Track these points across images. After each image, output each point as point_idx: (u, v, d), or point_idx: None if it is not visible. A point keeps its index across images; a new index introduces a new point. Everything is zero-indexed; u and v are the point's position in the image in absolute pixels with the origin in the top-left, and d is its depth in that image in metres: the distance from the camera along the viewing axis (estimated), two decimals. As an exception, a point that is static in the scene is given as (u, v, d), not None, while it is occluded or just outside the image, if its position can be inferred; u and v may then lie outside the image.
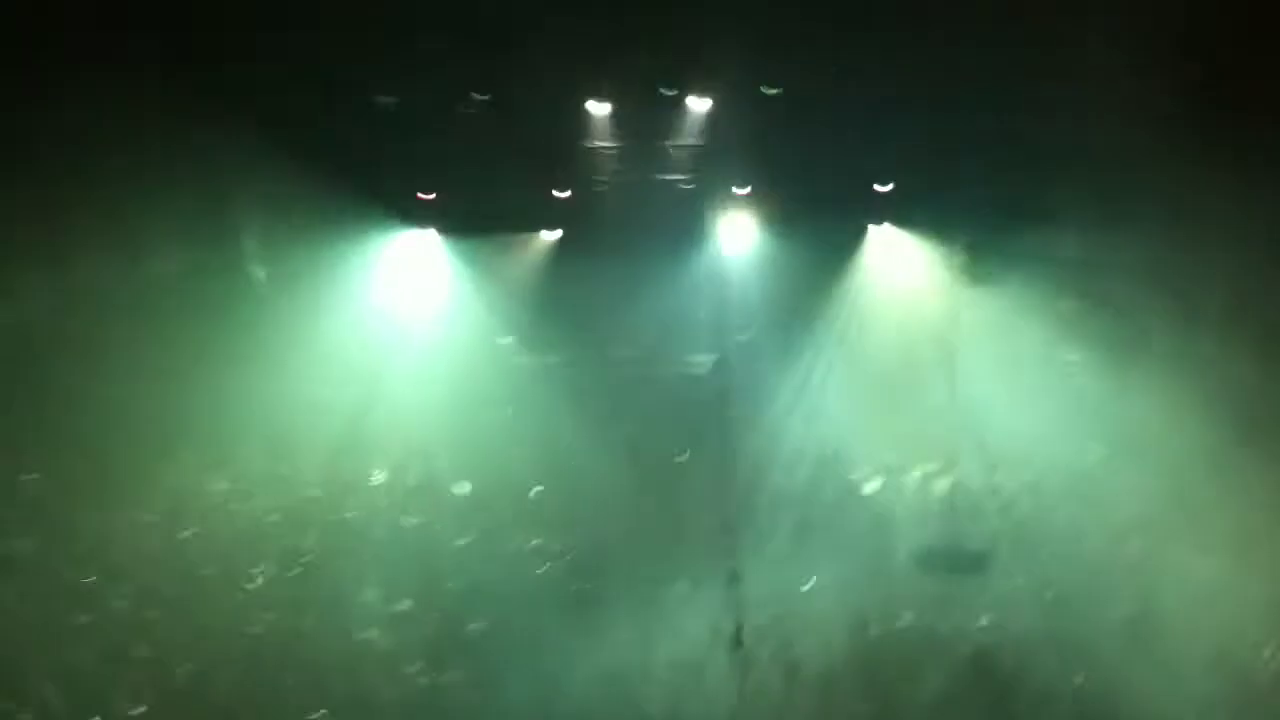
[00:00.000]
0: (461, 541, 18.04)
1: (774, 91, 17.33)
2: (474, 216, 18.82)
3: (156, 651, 16.39)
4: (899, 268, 18.34)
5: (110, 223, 17.13)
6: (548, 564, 17.88)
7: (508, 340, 19.12)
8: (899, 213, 18.21)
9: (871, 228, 18.40)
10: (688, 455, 18.55)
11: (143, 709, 15.88)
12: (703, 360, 18.75)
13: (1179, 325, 16.77)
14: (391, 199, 18.56)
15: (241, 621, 16.92)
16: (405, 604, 17.40)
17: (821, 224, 18.02)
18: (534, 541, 18.06)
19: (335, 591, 17.41)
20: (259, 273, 18.45)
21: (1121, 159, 16.32)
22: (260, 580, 17.40)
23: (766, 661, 16.34)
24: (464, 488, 18.46)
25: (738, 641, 16.39)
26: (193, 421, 17.67)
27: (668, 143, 18.27)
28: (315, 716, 16.08)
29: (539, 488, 18.44)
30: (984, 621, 16.57)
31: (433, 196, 18.72)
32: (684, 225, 18.49)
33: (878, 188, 18.03)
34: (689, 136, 18.13)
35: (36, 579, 16.37)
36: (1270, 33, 15.43)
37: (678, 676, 16.40)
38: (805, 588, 16.93)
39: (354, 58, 17.04)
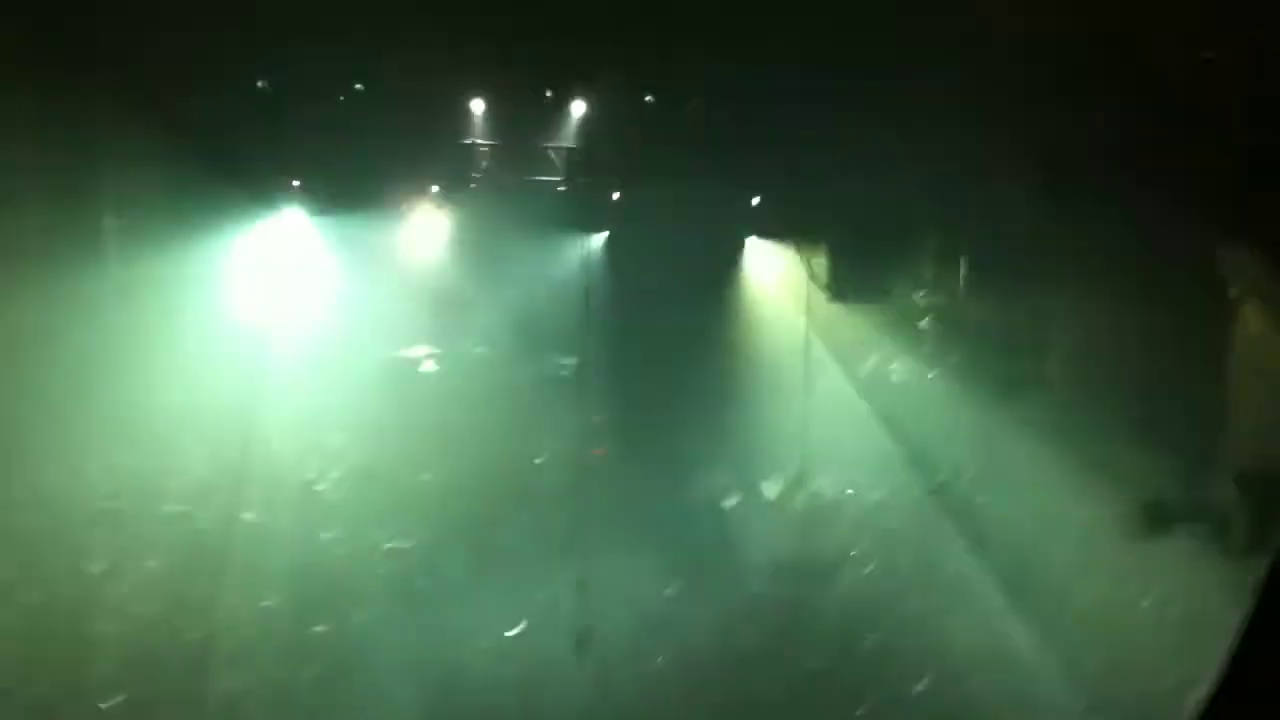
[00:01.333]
0: (324, 536, 17.67)
1: (650, 99, 17.47)
2: (344, 204, 18.56)
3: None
4: (765, 280, 18.52)
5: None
6: (398, 561, 17.60)
7: (372, 333, 18.81)
8: (769, 224, 18.37)
9: (744, 240, 18.50)
10: (544, 458, 18.39)
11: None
12: (566, 363, 18.64)
13: (1029, 350, 17.13)
14: (263, 183, 18.26)
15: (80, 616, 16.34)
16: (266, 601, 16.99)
17: (694, 232, 18.08)
18: (389, 540, 17.78)
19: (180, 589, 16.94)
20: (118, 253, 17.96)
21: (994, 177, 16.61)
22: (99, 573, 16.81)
23: (616, 663, 16.29)
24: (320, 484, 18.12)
25: (586, 642, 16.24)
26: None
27: (545, 144, 18.30)
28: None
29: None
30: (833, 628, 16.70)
31: (300, 183, 18.42)
32: (556, 227, 18.46)
33: (753, 201, 18.18)
34: (566, 139, 18.19)
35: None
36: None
37: (525, 673, 16.25)
38: (667, 592, 16.89)
39: (235, 39, 16.82)
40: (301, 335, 18.44)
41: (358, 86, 17.74)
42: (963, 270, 17.68)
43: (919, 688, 15.81)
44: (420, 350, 18.89)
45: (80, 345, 16.94)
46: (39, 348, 16.73)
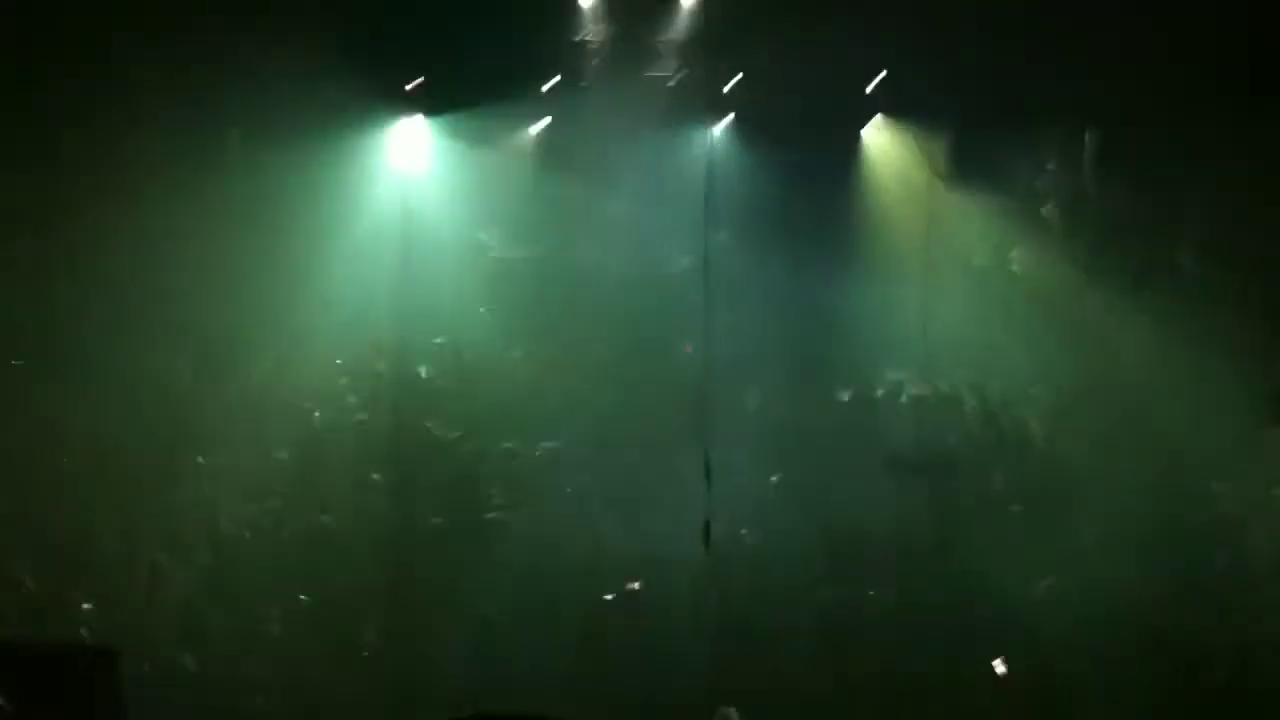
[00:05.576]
0: (451, 435, 18.08)
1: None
2: (459, 105, 18.52)
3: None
4: (885, 166, 18.10)
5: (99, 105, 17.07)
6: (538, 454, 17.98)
7: (486, 236, 18.89)
8: (889, 110, 17.93)
9: (863, 125, 18.12)
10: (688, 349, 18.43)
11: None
12: (684, 261, 18.49)
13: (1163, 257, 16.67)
14: (377, 86, 18.30)
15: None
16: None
17: (811, 119, 17.66)
18: (509, 440, 18.02)
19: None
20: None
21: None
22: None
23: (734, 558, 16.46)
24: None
25: (707, 536, 16.36)
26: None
27: (656, 38, 18.03)
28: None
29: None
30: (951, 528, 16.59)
31: (418, 84, 18.42)
32: (671, 122, 18.24)
33: (869, 88, 17.72)
34: (678, 32, 17.90)
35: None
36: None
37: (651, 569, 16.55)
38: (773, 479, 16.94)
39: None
40: (422, 236, 18.58)
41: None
42: (1089, 156, 17.13)
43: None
44: (533, 249, 18.82)
45: (211, 250, 17.40)
46: (170, 251, 17.24)
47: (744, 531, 16.95)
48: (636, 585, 16.60)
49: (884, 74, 17.64)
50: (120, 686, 10.61)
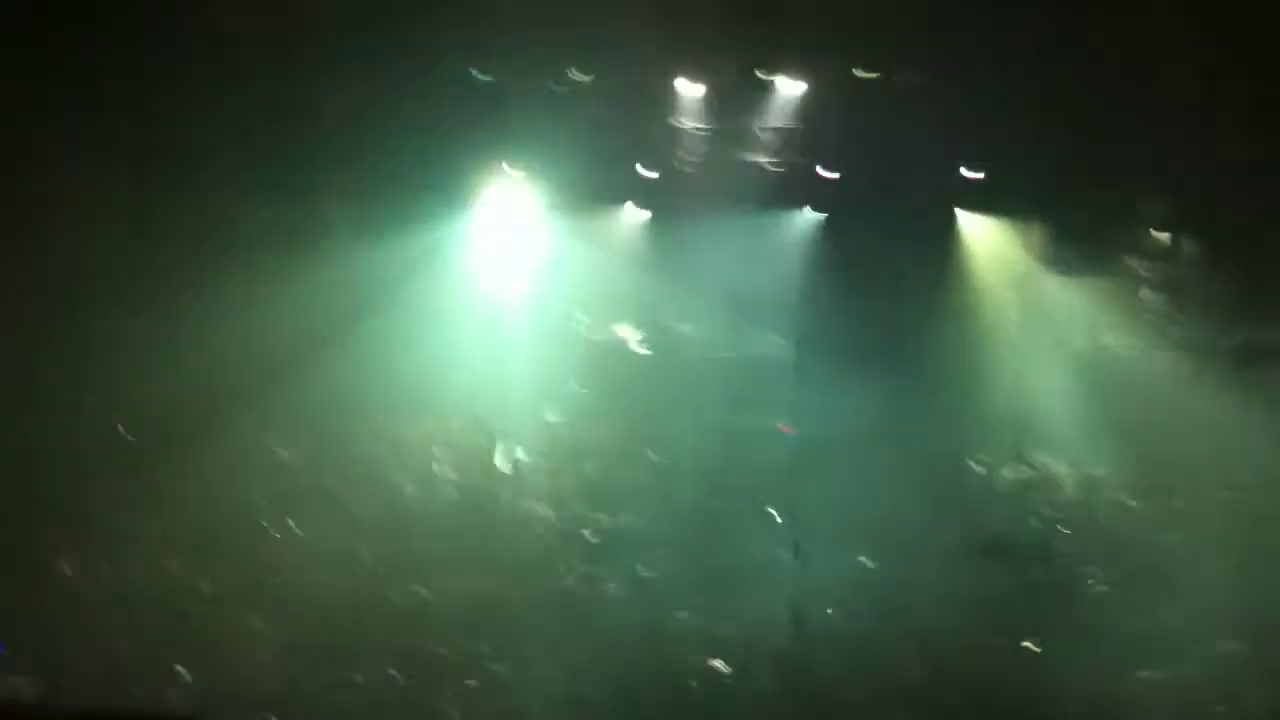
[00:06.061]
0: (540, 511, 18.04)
1: (870, 76, 17.27)
2: (563, 194, 18.87)
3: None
4: (981, 255, 18.09)
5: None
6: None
7: (586, 318, 19.11)
8: (985, 200, 17.97)
9: (959, 213, 18.15)
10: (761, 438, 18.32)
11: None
12: (780, 342, 18.54)
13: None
14: (479, 174, 18.72)
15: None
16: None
17: (909, 209, 17.79)
18: (598, 516, 18.00)
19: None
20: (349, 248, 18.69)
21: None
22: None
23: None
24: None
25: (796, 617, 16.13)
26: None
27: (758, 124, 18.28)
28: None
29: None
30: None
31: (518, 171, 18.80)
32: (767, 205, 18.42)
33: (966, 173, 17.80)
34: (779, 119, 18.14)
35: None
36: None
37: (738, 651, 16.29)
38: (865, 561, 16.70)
39: (452, 29, 17.30)
40: (517, 318, 18.82)
41: (575, 76, 17.97)
42: (1188, 240, 17.02)
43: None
44: (631, 330, 18.99)
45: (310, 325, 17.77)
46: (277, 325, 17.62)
47: (830, 611, 16.64)
48: (721, 665, 16.34)
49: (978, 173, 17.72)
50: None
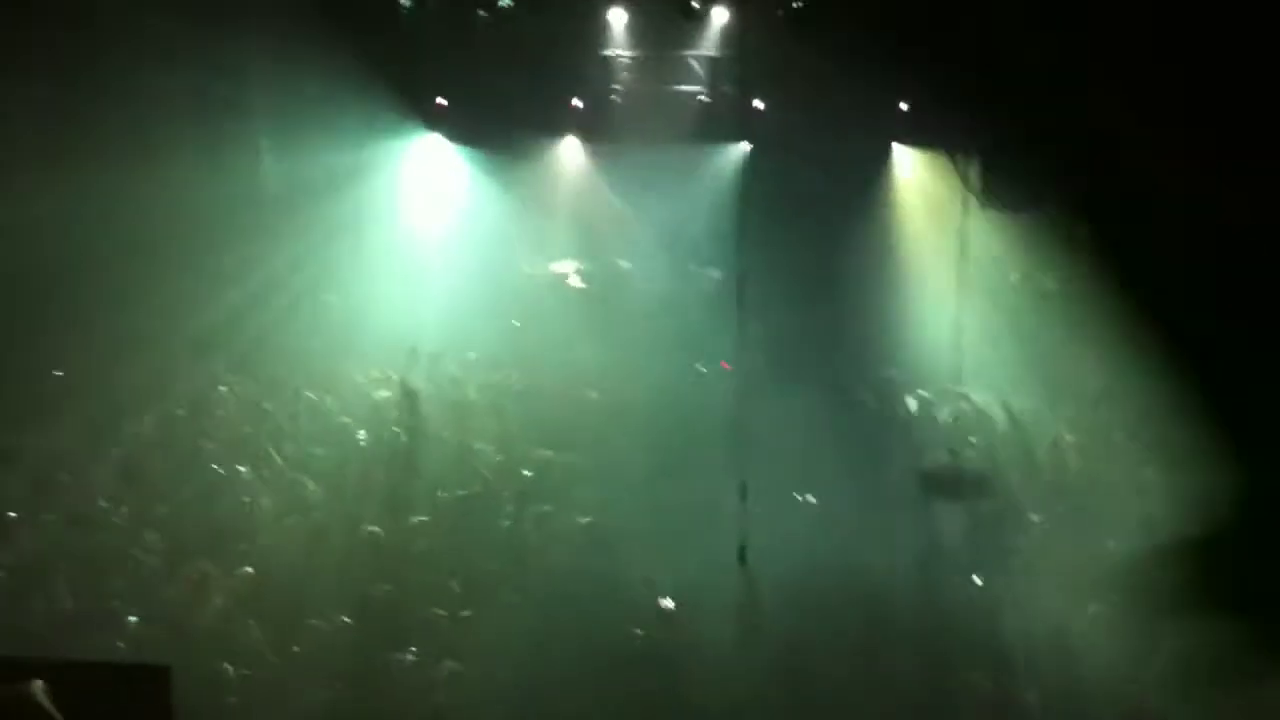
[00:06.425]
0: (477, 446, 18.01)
1: (799, 4, 17.16)
2: (489, 123, 18.64)
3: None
4: (916, 187, 18.20)
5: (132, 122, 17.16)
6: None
7: (518, 250, 19.02)
8: (917, 131, 18.03)
9: (894, 145, 18.20)
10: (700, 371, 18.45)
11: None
12: (716, 274, 18.60)
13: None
14: (407, 104, 18.43)
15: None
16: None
17: (841, 140, 17.81)
18: (544, 452, 18.10)
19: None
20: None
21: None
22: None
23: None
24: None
25: (742, 558, 16.38)
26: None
27: (687, 53, 18.13)
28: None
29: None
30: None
31: (447, 103, 18.53)
32: (701, 137, 18.35)
33: (901, 106, 17.84)
34: (709, 48, 18.00)
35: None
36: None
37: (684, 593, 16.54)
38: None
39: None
40: (447, 249, 18.68)
41: (504, 2, 17.69)
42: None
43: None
44: (567, 265, 18.93)
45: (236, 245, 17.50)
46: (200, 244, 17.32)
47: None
48: (669, 603, 16.60)
49: (911, 99, 17.71)
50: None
